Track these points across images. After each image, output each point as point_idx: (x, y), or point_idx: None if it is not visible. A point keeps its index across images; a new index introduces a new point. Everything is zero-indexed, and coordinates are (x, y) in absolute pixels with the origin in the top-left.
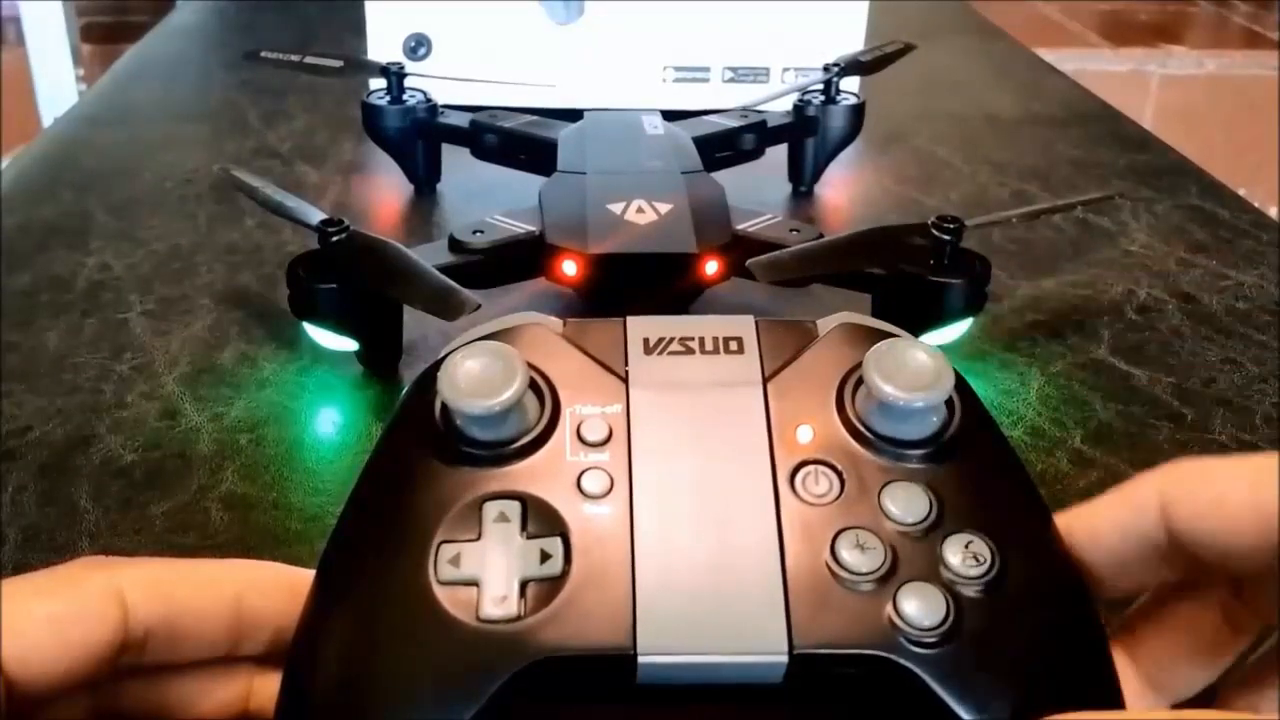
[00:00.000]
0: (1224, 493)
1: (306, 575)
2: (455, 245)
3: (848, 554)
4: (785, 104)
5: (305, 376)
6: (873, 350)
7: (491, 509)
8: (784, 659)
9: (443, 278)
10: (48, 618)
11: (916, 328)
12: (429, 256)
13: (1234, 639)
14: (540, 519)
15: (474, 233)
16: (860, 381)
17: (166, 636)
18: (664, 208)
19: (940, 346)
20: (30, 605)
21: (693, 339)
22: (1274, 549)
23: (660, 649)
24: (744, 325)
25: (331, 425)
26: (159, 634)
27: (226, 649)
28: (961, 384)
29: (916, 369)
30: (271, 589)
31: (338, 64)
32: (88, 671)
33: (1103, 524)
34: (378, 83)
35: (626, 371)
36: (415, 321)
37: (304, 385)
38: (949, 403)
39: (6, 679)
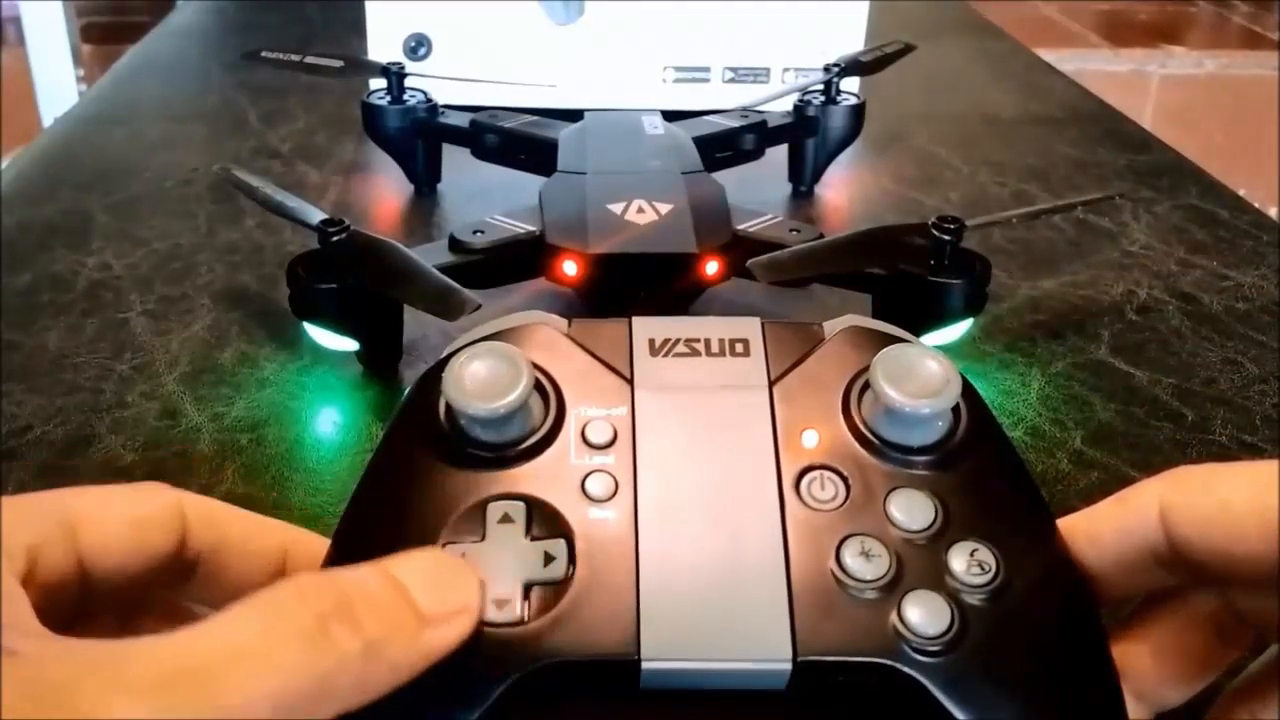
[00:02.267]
0: (1226, 499)
1: None
2: (455, 245)
3: (852, 561)
4: (785, 104)
5: (305, 376)
6: (880, 356)
7: (495, 510)
8: (788, 666)
9: (443, 278)
10: (127, 519)
11: (916, 328)
12: (429, 256)
13: (1223, 652)
14: (544, 522)
15: (474, 233)
16: (866, 386)
17: (213, 568)
18: (664, 208)
19: (940, 347)
20: (113, 505)
21: (698, 341)
22: (1276, 555)
23: (664, 655)
24: (750, 327)
25: (332, 425)
26: (208, 564)
27: None
28: (969, 390)
29: (924, 375)
30: (318, 551)
31: (338, 64)
32: (147, 578)
33: (1104, 529)
34: (378, 83)
35: (632, 373)
36: (415, 321)
37: (304, 385)
38: (955, 409)
39: (85, 569)
